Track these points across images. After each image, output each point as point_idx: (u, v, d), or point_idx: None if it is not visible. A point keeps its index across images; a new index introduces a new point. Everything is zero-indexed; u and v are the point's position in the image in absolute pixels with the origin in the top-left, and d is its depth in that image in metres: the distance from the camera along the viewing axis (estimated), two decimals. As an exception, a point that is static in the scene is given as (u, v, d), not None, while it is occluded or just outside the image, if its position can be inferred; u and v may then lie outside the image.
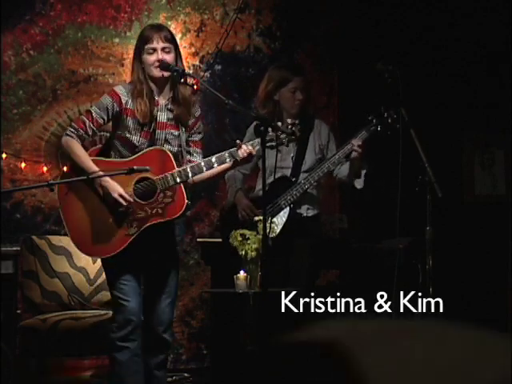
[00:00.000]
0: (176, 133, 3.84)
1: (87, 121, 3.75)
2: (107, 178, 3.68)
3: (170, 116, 3.83)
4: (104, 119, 3.78)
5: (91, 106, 3.83)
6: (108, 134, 4.02)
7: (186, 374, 5.70)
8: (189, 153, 3.90)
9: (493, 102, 5.53)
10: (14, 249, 5.04)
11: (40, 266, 4.91)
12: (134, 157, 3.76)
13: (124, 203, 3.68)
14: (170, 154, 3.77)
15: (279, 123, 3.82)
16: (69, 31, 5.75)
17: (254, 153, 3.82)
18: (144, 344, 3.87)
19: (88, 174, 3.66)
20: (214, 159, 3.79)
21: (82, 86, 5.74)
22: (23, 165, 5.57)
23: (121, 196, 3.68)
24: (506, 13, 5.38)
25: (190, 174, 3.75)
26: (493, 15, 5.50)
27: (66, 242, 4.92)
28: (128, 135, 3.78)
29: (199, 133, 3.94)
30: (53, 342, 4.58)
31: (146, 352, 3.88)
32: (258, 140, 3.77)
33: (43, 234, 5.12)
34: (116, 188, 3.69)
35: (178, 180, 3.74)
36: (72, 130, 3.75)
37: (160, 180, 3.73)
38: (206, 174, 3.85)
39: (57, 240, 5.00)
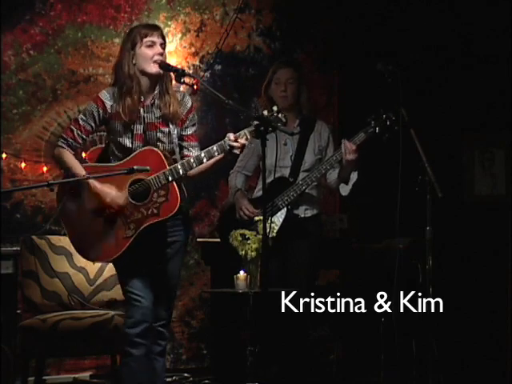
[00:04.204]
0: (166, 130, 3.83)
1: (75, 129, 3.80)
2: (97, 185, 3.70)
3: (158, 114, 3.83)
4: (92, 126, 3.82)
5: (78, 114, 3.90)
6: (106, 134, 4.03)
7: (186, 374, 5.70)
8: (184, 147, 3.89)
9: (493, 101, 5.53)
10: (14, 249, 5.04)
11: (40, 266, 4.91)
12: (125, 160, 3.77)
13: (115, 208, 3.71)
14: (161, 153, 3.77)
15: (265, 111, 3.78)
16: (69, 31, 5.75)
17: (246, 143, 3.79)
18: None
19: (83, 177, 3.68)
20: (202, 154, 3.78)
21: (81, 86, 5.75)
22: (23, 165, 5.57)
23: (112, 201, 3.71)
24: (506, 13, 5.38)
25: (180, 172, 3.75)
26: (493, 15, 5.50)
27: (65, 241, 4.91)
28: (119, 139, 3.80)
29: (193, 125, 3.93)
30: (53, 342, 4.57)
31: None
32: (244, 131, 3.76)
33: (43, 234, 5.12)
34: (107, 194, 3.72)
35: (170, 178, 3.74)
36: (62, 140, 3.83)
37: (153, 180, 3.73)
38: (201, 166, 3.83)
39: (57, 240, 5.00)
